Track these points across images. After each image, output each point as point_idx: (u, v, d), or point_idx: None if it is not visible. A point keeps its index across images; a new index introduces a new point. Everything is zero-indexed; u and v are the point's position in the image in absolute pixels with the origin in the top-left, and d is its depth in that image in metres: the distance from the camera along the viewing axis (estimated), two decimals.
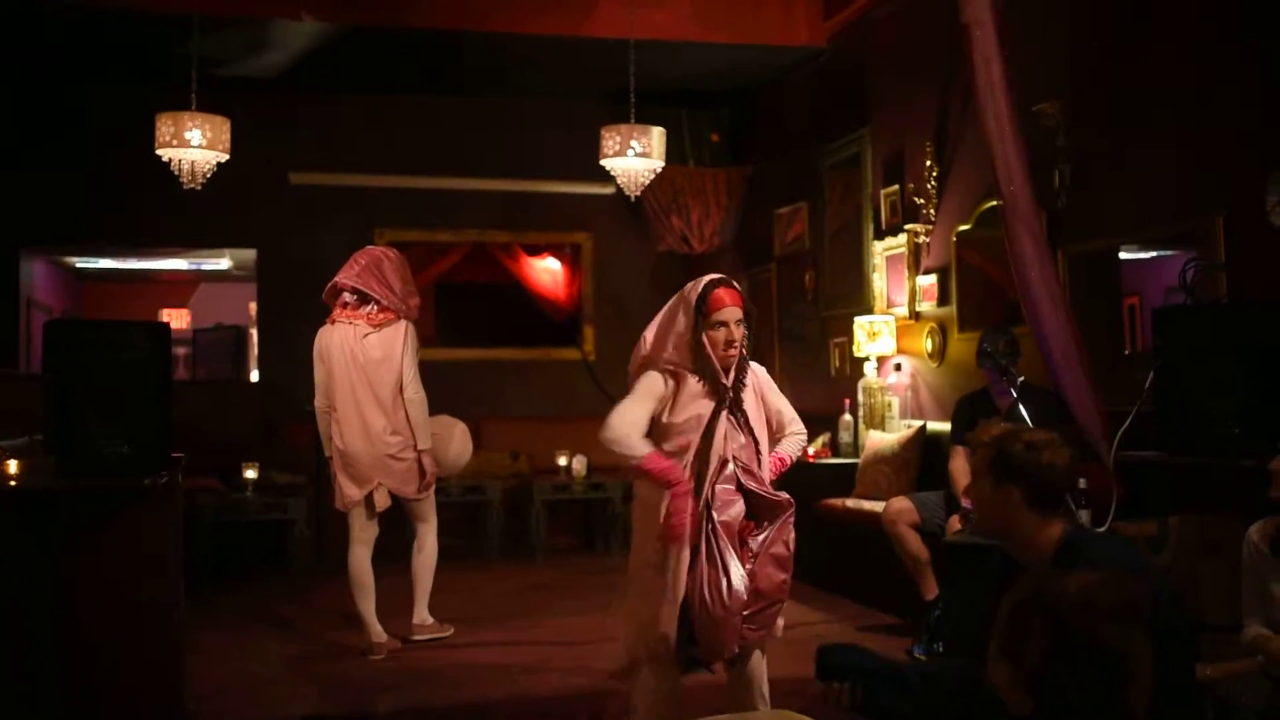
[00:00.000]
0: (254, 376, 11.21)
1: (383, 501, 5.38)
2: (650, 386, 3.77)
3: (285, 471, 7.78)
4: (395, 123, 9.02)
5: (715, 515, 3.62)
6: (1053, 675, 1.87)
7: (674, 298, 3.88)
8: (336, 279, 5.48)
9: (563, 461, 8.20)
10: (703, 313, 3.73)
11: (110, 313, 12.74)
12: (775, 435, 3.94)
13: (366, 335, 5.35)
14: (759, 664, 3.85)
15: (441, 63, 8.26)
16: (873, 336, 7.01)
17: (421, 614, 5.61)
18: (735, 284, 3.85)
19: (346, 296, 5.43)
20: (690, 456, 3.68)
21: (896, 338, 7.01)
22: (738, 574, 3.60)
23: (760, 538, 3.70)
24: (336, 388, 5.34)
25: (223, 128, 6.73)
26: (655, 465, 3.70)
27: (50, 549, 3.95)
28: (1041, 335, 5.19)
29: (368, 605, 5.39)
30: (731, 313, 3.73)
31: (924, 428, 6.48)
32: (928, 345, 6.75)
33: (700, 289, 3.78)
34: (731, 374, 3.76)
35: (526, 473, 8.44)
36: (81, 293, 12.94)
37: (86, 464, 3.86)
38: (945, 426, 6.00)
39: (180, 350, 12.71)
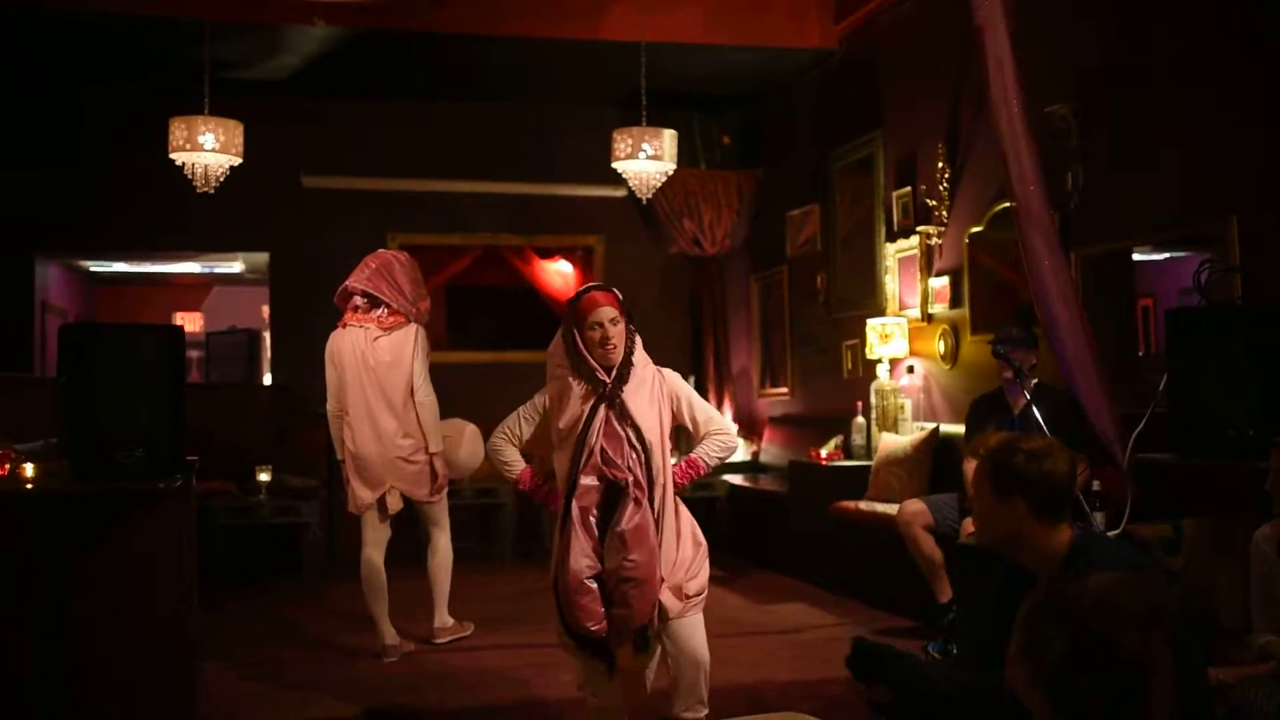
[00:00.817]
0: (267, 380, 11.24)
1: (395, 504, 5.39)
2: (534, 402, 4.15)
3: (298, 475, 7.80)
4: (407, 126, 9.04)
5: (574, 502, 3.88)
6: (1071, 679, 1.84)
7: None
8: (347, 282, 5.48)
9: None
10: (577, 316, 3.96)
11: (123, 316, 12.80)
12: (698, 439, 4.13)
13: (377, 339, 5.35)
14: (681, 650, 3.94)
15: (453, 67, 8.27)
16: (885, 339, 7.00)
17: (442, 618, 5.62)
18: (611, 289, 4.06)
19: (357, 300, 5.43)
20: (569, 450, 3.92)
21: (909, 340, 7.00)
22: (576, 555, 3.85)
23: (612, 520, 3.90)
24: (348, 391, 5.35)
25: (235, 131, 6.75)
26: (525, 484, 4.18)
27: (65, 552, 3.96)
28: (1055, 337, 5.18)
29: (380, 608, 5.39)
30: (605, 312, 3.94)
31: (937, 430, 6.47)
32: (940, 347, 6.74)
33: (574, 294, 4.06)
34: (613, 372, 3.94)
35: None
36: (95, 296, 12.99)
37: (101, 467, 3.87)
38: (958, 429, 5.99)
39: (193, 354, 12.75)
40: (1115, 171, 5.35)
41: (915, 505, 5.57)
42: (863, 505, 6.47)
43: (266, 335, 11.63)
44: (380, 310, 5.39)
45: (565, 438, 3.96)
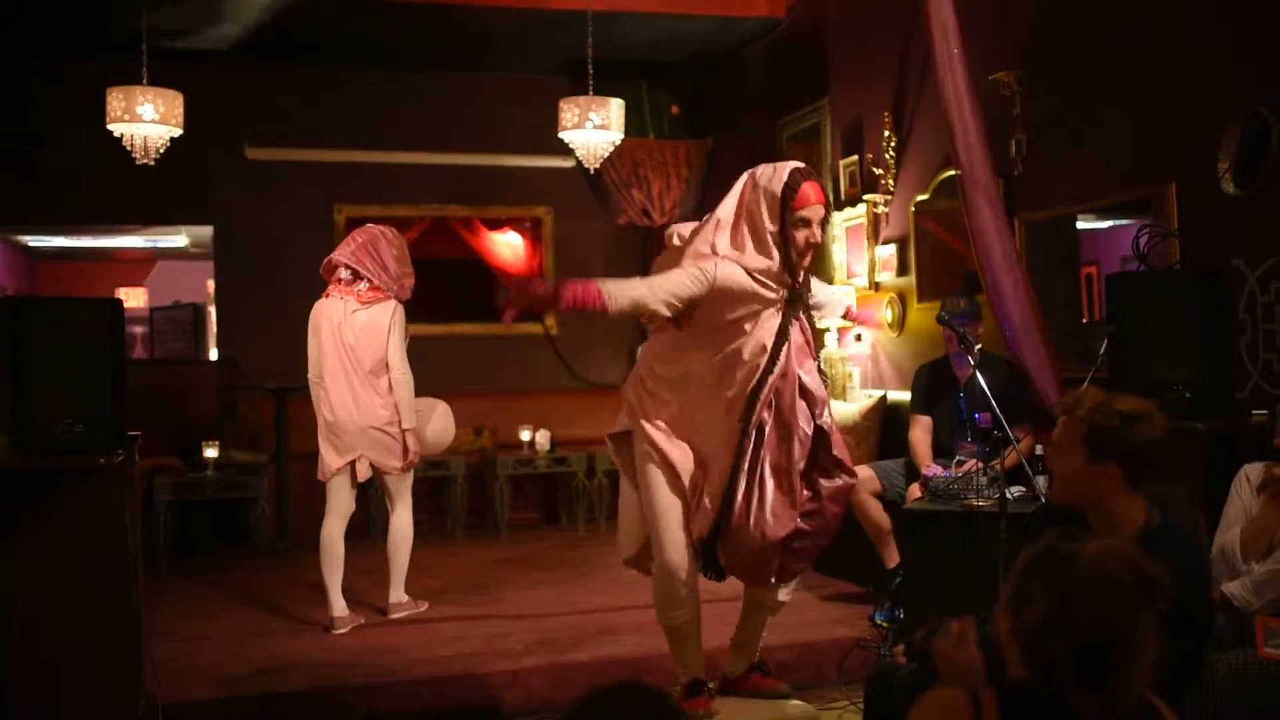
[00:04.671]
0: (213, 354, 11.11)
1: (364, 472, 5.43)
2: (701, 272, 3.49)
3: (246, 450, 7.73)
4: (353, 97, 8.92)
5: (775, 448, 3.52)
6: (1047, 641, 1.84)
7: (744, 182, 3.58)
8: (332, 254, 5.53)
9: (526, 436, 8.20)
10: (787, 206, 3.46)
11: (66, 292, 12.59)
12: None
13: (355, 311, 5.40)
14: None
15: (399, 36, 8.18)
16: None
17: (398, 593, 5.62)
18: (820, 179, 3.55)
19: (342, 272, 5.48)
20: (749, 356, 3.49)
21: (856, 308, 7.02)
22: (780, 514, 3.51)
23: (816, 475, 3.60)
24: (325, 360, 5.39)
25: (175, 102, 6.64)
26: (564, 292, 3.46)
27: (4, 529, 3.90)
28: (1000, 304, 5.23)
29: (335, 578, 5.40)
30: (818, 212, 3.48)
31: (884, 397, 6.52)
32: (887, 315, 6.78)
33: (785, 179, 3.47)
34: (801, 276, 3.55)
35: (489, 448, 8.43)
36: (36, 272, 12.78)
37: (40, 443, 3.82)
38: (905, 396, 6.04)
39: (138, 329, 12.60)
40: (1058, 138, 5.39)
41: (863, 472, 5.59)
42: None
43: (212, 309, 11.49)
44: (362, 284, 5.43)
45: (724, 336, 3.50)
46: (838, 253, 7.30)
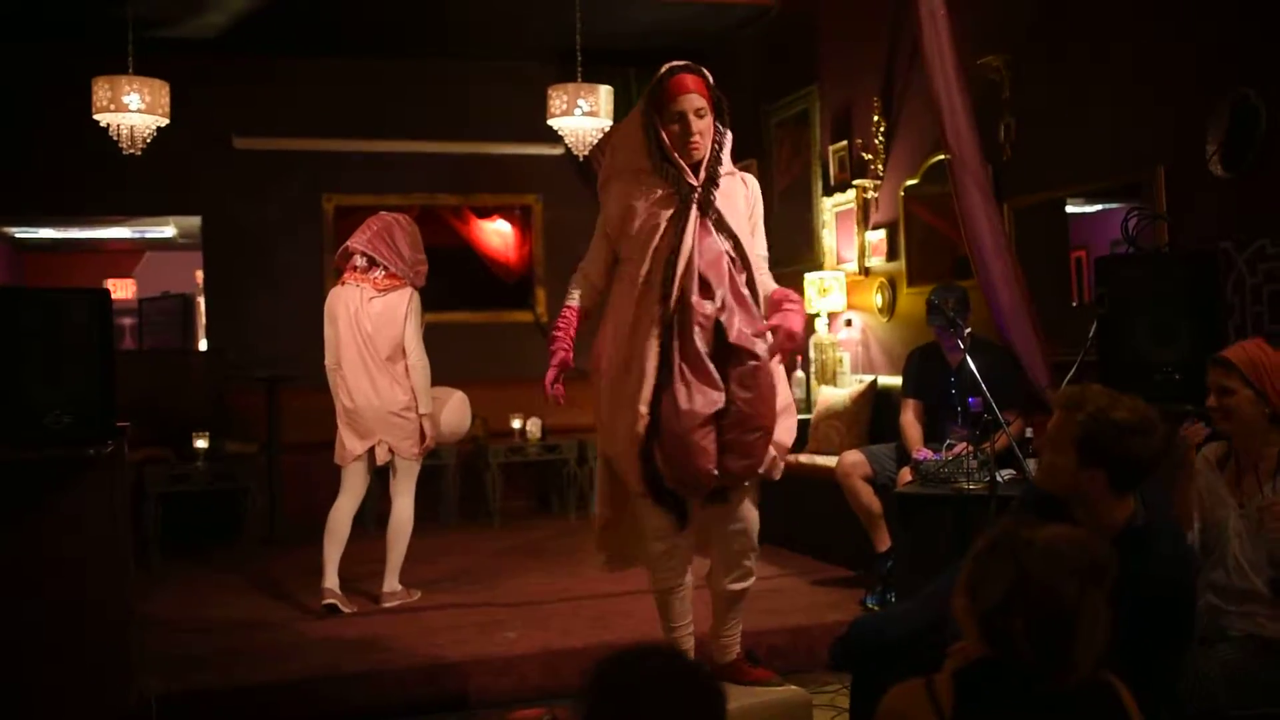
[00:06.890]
0: (203, 345, 11.08)
1: (383, 456, 5.49)
2: (598, 228, 3.61)
3: (238, 440, 7.71)
4: (341, 85, 8.89)
5: (680, 338, 3.36)
6: (1005, 617, 1.93)
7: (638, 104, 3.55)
8: (348, 242, 5.57)
9: (517, 424, 8.19)
10: (658, 102, 3.39)
11: (53, 284, 12.52)
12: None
13: (371, 299, 5.45)
14: (747, 511, 3.63)
15: (386, 23, 8.14)
16: (823, 293, 7.04)
17: (391, 583, 5.63)
18: (703, 72, 3.45)
19: (357, 260, 5.52)
20: (649, 262, 3.39)
21: (847, 293, 7.04)
22: (697, 391, 3.32)
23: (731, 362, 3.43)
24: (342, 347, 5.44)
25: (161, 91, 6.62)
26: (562, 327, 3.62)
27: None
28: (990, 288, 5.24)
29: (334, 554, 5.44)
30: (691, 101, 3.37)
31: (875, 382, 6.53)
32: (878, 300, 6.78)
33: (657, 76, 3.42)
34: (702, 173, 3.41)
35: (481, 436, 8.40)
36: (23, 264, 12.72)
37: (28, 434, 3.80)
38: (896, 380, 6.04)
39: (127, 320, 12.55)
40: (1047, 122, 5.39)
41: (853, 456, 5.62)
42: (803, 458, 6.51)
43: (201, 300, 11.45)
44: (377, 271, 5.48)
45: (635, 247, 3.40)
46: (827, 238, 7.30)
